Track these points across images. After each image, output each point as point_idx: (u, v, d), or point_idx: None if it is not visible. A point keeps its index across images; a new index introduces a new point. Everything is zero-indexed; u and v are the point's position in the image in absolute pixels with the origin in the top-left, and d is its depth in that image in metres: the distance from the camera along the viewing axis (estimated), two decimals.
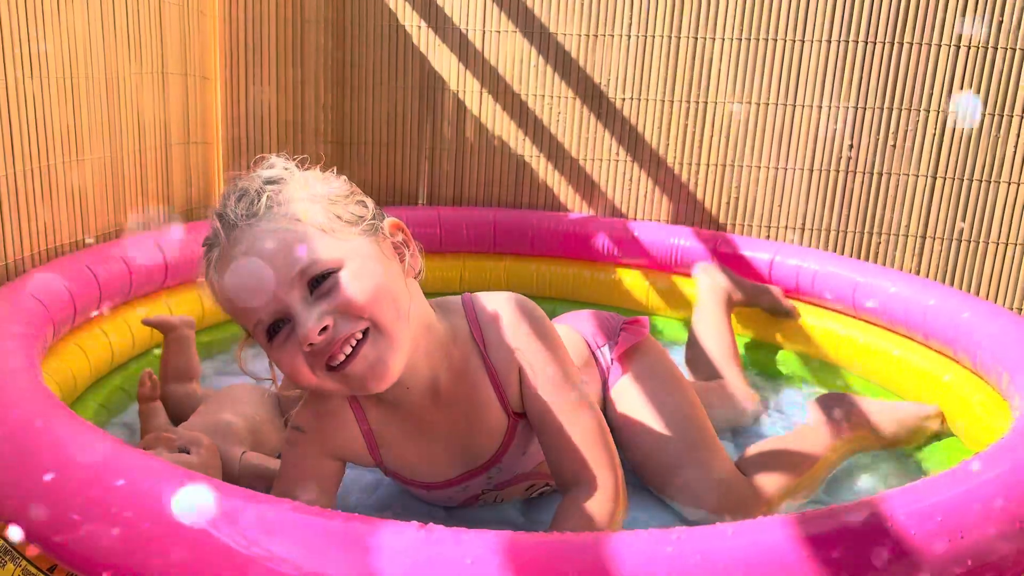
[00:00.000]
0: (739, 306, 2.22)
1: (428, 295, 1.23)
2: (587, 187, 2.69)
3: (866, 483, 1.58)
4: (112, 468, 0.89)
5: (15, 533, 0.90)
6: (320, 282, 1.07)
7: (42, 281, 1.55)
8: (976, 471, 0.93)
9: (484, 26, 2.64)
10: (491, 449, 1.27)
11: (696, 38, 2.53)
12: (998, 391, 1.57)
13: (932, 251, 2.49)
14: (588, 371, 1.54)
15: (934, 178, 2.45)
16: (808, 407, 1.76)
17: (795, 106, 2.51)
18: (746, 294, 2.22)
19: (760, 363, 2.25)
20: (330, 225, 1.09)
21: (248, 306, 1.08)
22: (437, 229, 2.56)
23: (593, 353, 1.57)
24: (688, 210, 2.64)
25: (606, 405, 1.54)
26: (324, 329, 1.05)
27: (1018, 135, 2.36)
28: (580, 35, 2.60)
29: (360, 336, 1.08)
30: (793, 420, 1.89)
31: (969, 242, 2.45)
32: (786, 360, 2.23)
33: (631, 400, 1.51)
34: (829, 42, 2.44)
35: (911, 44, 2.39)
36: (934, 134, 2.42)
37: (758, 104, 2.53)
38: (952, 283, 2.47)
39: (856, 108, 2.46)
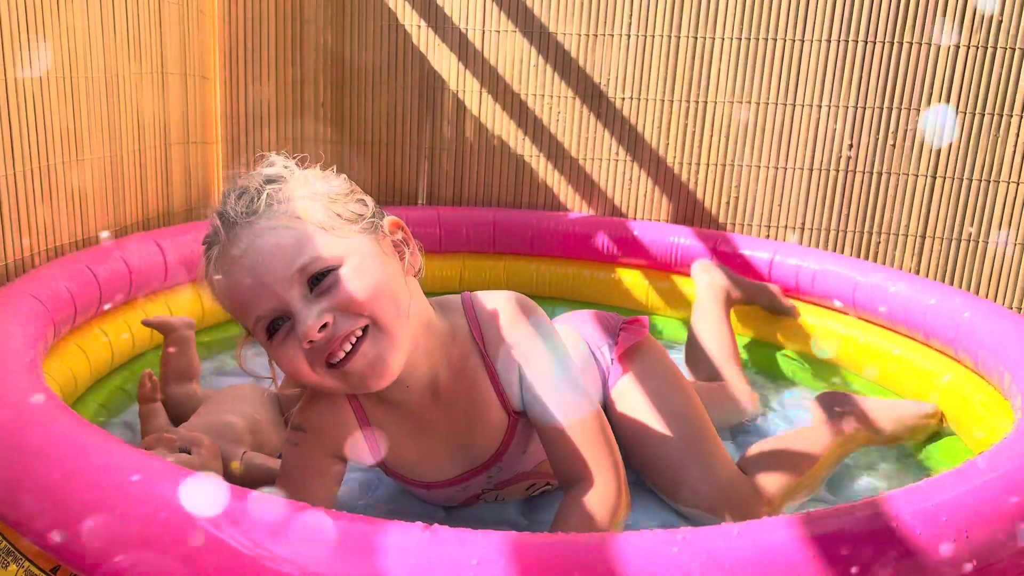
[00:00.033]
0: (738, 304, 2.22)
1: (428, 295, 1.23)
2: (587, 187, 2.69)
3: (867, 482, 1.59)
4: (115, 469, 0.88)
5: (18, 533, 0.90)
6: (320, 279, 1.07)
7: (42, 281, 1.55)
8: (981, 470, 0.93)
9: (484, 26, 2.64)
10: (491, 448, 1.27)
11: (696, 38, 2.53)
12: (999, 391, 1.57)
13: (932, 250, 2.49)
14: (588, 371, 1.54)
15: (934, 177, 2.45)
16: (810, 406, 1.76)
17: (795, 105, 2.51)
18: (745, 292, 2.21)
19: (760, 362, 2.25)
20: (330, 223, 1.09)
21: (248, 304, 1.08)
22: (437, 229, 2.56)
23: (593, 353, 1.57)
24: (688, 210, 2.64)
25: (606, 405, 1.54)
26: (324, 326, 1.06)
27: (1017, 134, 2.37)
28: (580, 35, 2.60)
29: (360, 333, 1.08)
30: (793, 419, 1.89)
31: (969, 241, 2.46)
32: (786, 359, 2.23)
33: (632, 400, 1.51)
34: (829, 41, 2.45)
35: (911, 44, 2.39)
36: (933, 133, 2.42)
37: (758, 103, 2.53)
38: (952, 282, 2.48)
39: (856, 107, 2.46)
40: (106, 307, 1.74)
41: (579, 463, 1.16)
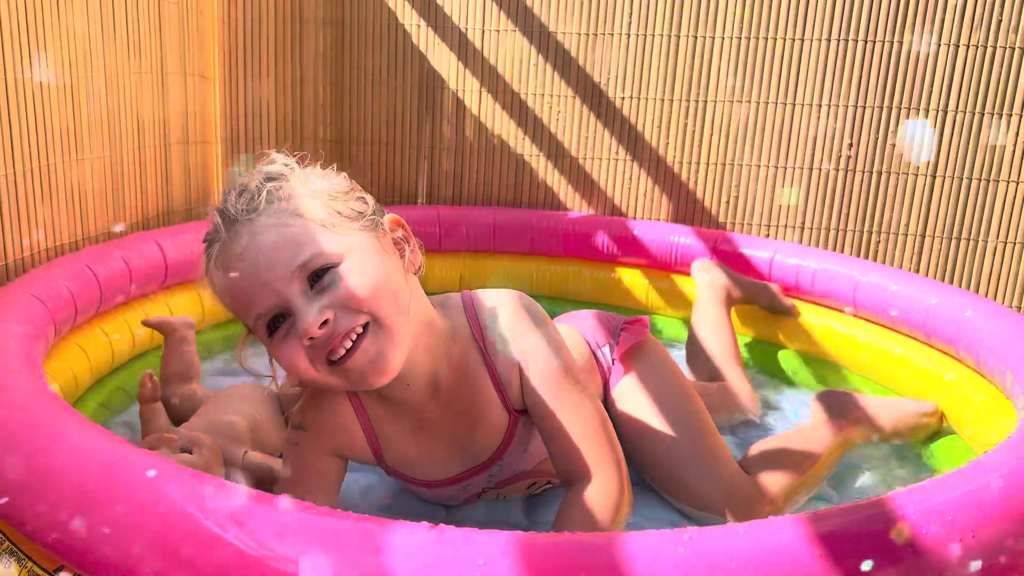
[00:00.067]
0: (738, 303, 2.22)
1: (427, 295, 1.23)
2: (587, 186, 2.69)
3: (868, 481, 1.59)
4: (120, 468, 0.88)
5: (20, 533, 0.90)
6: (320, 276, 1.07)
7: (43, 281, 1.54)
8: (987, 469, 0.93)
9: (483, 25, 2.63)
10: (492, 447, 1.27)
11: (696, 37, 2.53)
12: (1001, 390, 1.57)
13: (932, 249, 2.49)
14: (589, 371, 1.54)
15: (934, 177, 2.45)
16: (811, 404, 1.76)
17: (795, 105, 2.51)
18: (745, 291, 2.21)
19: (761, 362, 2.25)
20: (330, 220, 1.09)
21: (248, 301, 1.08)
22: (436, 228, 2.56)
23: (594, 353, 1.57)
24: (688, 209, 2.64)
25: (608, 405, 1.54)
26: (324, 323, 1.06)
27: (1017, 133, 2.37)
28: (580, 34, 2.60)
29: (360, 330, 1.08)
30: (794, 418, 1.89)
31: (968, 240, 2.46)
32: (787, 359, 2.23)
33: (633, 400, 1.51)
34: (829, 41, 2.45)
35: (911, 43, 2.39)
36: (933, 132, 2.42)
37: (758, 103, 2.53)
38: (952, 281, 2.48)
39: (856, 107, 2.46)
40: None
41: (581, 460, 1.16)
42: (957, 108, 2.40)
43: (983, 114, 2.38)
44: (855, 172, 2.50)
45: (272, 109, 2.61)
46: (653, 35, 2.55)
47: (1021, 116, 2.35)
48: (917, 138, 2.41)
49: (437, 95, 2.71)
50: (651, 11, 2.54)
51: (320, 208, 1.10)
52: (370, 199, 1.17)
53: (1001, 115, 2.36)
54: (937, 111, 2.41)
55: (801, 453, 1.51)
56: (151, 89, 2.13)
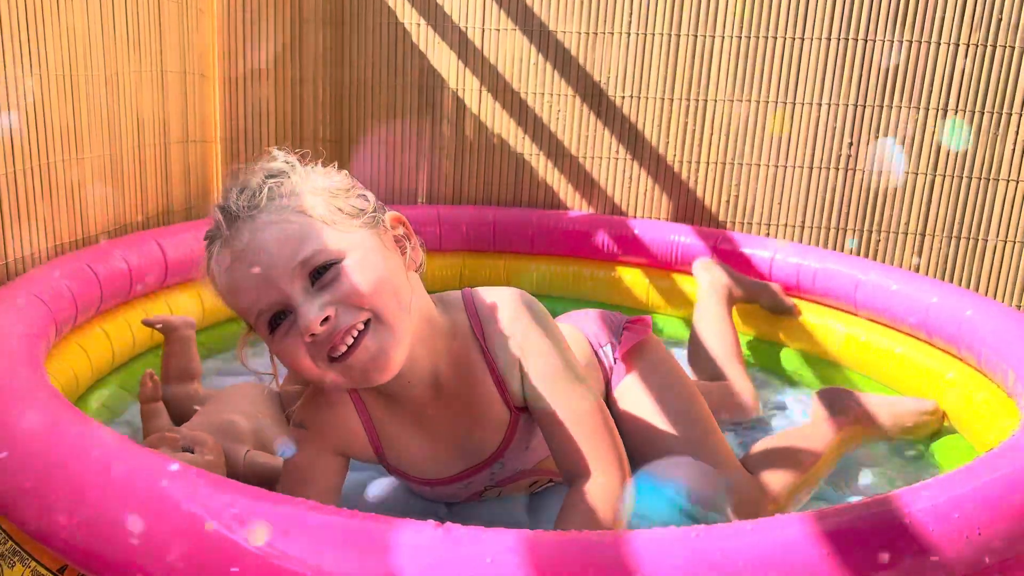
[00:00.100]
0: (739, 303, 2.22)
1: (428, 293, 1.22)
2: (587, 185, 2.69)
3: (870, 479, 1.59)
4: (124, 467, 0.88)
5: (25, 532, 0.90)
6: (322, 273, 1.07)
7: (44, 280, 1.54)
8: (992, 467, 0.92)
9: (483, 24, 2.63)
10: (493, 444, 1.26)
11: (696, 36, 2.53)
12: (1004, 389, 1.57)
13: (932, 248, 2.49)
14: (591, 370, 1.53)
15: (934, 175, 2.45)
16: (811, 402, 1.76)
17: (795, 104, 2.51)
18: (746, 291, 2.21)
19: (762, 361, 2.25)
20: (331, 217, 1.09)
21: (249, 298, 1.08)
22: (436, 227, 2.56)
23: (596, 352, 1.57)
24: (688, 208, 2.64)
25: (610, 404, 1.53)
26: (326, 320, 1.05)
27: (1017, 132, 2.37)
28: (580, 33, 2.60)
29: (362, 327, 1.08)
30: (795, 417, 1.89)
31: (968, 239, 2.46)
32: (788, 358, 2.23)
33: (635, 399, 1.51)
34: (829, 40, 2.45)
35: (911, 42, 2.39)
36: (933, 131, 2.42)
37: (758, 102, 2.53)
38: (952, 280, 2.48)
39: (856, 106, 2.47)
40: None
41: (582, 457, 1.16)
42: (957, 107, 2.40)
43: (983, 113, 2.38)
44: (855, 171, 2.50)
45: (272, 108, 2.60)
46: (653, 34, 2.55)
47: (1021, 115, 2.35)
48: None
49: (437, 94, 2.71)
50: (651, 10, 2.54)
51: (321, 205, 1.10)
52: (371, 196, 1.17)
53: (1001, 114, 2.37)
54: (937, 110, 2.41)
55: (803, 452, 1.51)
56: (151, 88, 2.12)
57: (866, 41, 2.42)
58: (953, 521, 0.82)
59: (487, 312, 1.22)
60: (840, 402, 1.69)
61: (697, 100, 2.57)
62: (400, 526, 0.77)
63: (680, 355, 1.97)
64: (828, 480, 1.56)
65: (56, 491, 0.87)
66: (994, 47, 2.34)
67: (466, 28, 2.64)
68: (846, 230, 2.53)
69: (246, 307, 1.10)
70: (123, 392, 1.79)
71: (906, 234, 2.50)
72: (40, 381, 1.10)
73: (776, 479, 1.42)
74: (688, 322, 2.27)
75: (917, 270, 2.50)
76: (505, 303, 1.22)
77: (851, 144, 2.49)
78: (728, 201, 2.61)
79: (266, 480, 1.39)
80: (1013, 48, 2.33)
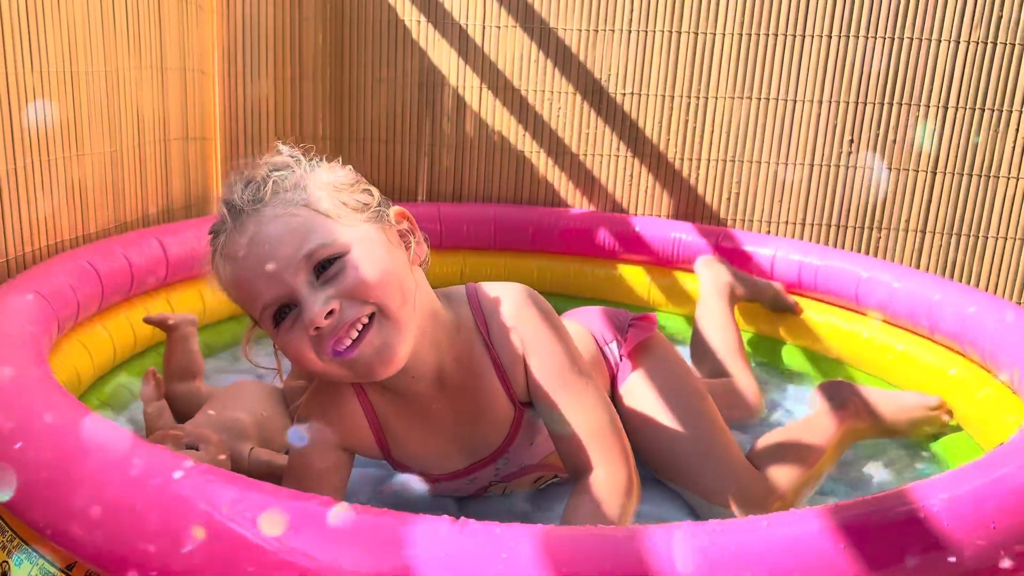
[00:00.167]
0: (741, 301, 2.22)
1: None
2: (587, 183, 2.69)
3: (876, 475, 1.59)
4: (133, 464, 0.87)
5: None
6: (327, 267, 1.07)
7: (46, 277, 1.53)
8: (1005, 461, 0.92)
9: (484, 21, 2.63)
10: (498, 440, 1.26)
11: (696, 33, 2.53)
12: (1009, 386, 1.57)
13: (932, 246, 2.49)
14: (596, 367, 1.53)
15: (934, 173, 2.46)
16: (811, 395, 1.76)
17: (795, 101, 2.51)
18: (748, 289, 2.21)
19: (764, 359, 2.25)
20: (336, 211, 1.09)
21: (254, 291, 1.08)
22: (437, 225, 2.55)
23: (601, 349, 1.56)
24: (689, 206, 2.64)
25: (615, 402, 1.53)
26: (330, 313, 1.05)
27: (1017, 129, 2.37)
28: (580, 30, 2.59)
29: (366, 321, 1.08)
30: (798, 414, 1.89)
31: (969, 236, 2.46)
32: (790, 355, 2.23)
33: (641, 396, 1.51)
34: (829, 37, 2.45)
35: (911, 39, 2.39)
36: (934, 129, 2.43)
37: (758, 99, 2.53)
38: (952, 277, 2.48)
39: (856, 103, 2.47)
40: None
41: (588, 453, 1.16)
42: (957, 104, 2.40)
43: (983, 110, 2.38)
44: (855, 169, 2.50)
45: (271, 106, 2.59)
46: (654, 31, 2.55)
47: (1021, 112, 2.36)
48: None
49: (437, 92, 2.70)
50: (652, 7, 2.54)
51: (326, 199, 1.10)
52: (375, 191, 1.17)
53: (1001, 111, 2.37)
54: (937, 107, 2.41)
55: (807, 446, 1.51)
56: (151, 84, 2.11)
57: (866, 39, 2.42)
58: (968, 515, 0.82)
59: (491, 307, 1.21)
60: (840, 395, 1.69)
61: (698, 98, 2.57)
62: (415, 521, 0.76)
63: (682, 353, 1.96)
64: (832, 476, 1.56)
65: (64, 487, 0.87)
66: (994, 44, 2.34)
67: (466, 25, 2.64)
68: (847, 227, 2.53)
69: (250, 301, 1.10)
70: (124, 390, 1.78)
71: (906, 231, 2.50)
72: (46, 378, 1.09)
73: (782, 475, 1.42)
74: (689, 320, 2.27)
75: (918, 267, 2.50)
76: (509, 298, 1.22)
77: (851, 142, 2.49)
78: (729, 198, 2.61)
79: (270, 477, 1.39)
80: (1013, 45, 2.33)
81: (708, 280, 2.19)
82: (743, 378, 1.85)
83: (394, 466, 1.31)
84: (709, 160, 2.60)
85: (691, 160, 2.61)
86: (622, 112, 2.62)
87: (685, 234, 2.45)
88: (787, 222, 2.58)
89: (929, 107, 2.41)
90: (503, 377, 1.21)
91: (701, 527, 0.78)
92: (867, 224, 2.52)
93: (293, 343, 1.08)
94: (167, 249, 1.92)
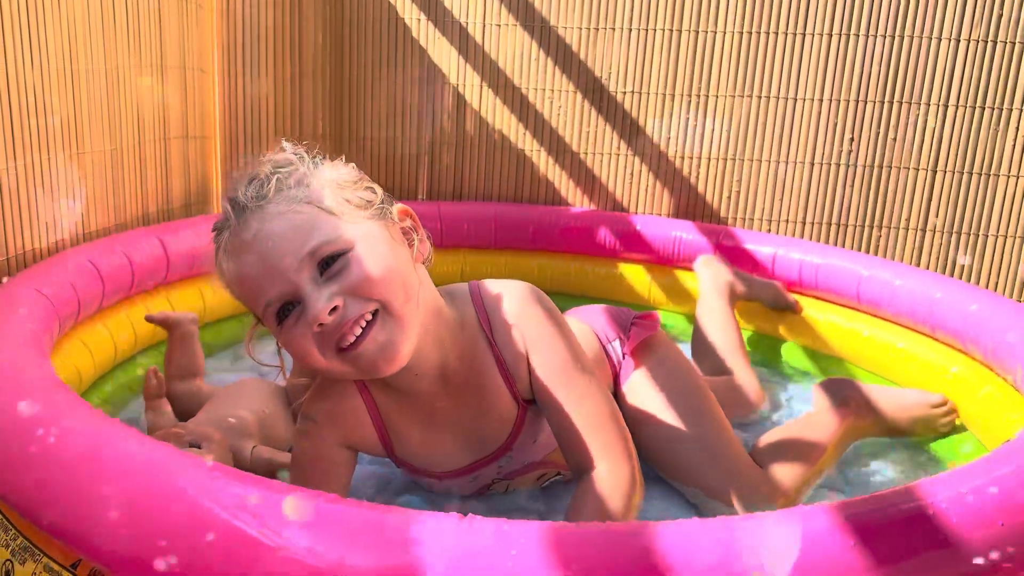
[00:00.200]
0: (742, 299, 2.22)
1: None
2: (588, 181, 2.68)
3: (879, 474, 1.59)
4: (138, 460, 0.87)
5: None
6: (330, 264, 1.07)
7: (46, 276, 1.53)
8: (1012, 458, 0.92)
9: (484, 19, 2.62)
10: (501, 437, 1.26)
11: (697, 32, 2.53)
12: (1012, 384, 1.57)
13: (932, 244, 2.50)
14: (599, 365, 1.53)
15: (934, 171, 2.46)
16: (813, 392, 1.76)
17: (795, 100, 2.51)
18: (748, 288, 2.21)
19: (764, 357, 2.25)
20: (339, 209, 1.09)
21: (257, 288, 1.08)
22: (437, 224, 2.55)
23: (604, 347, 1.56)
24: (689, 204, 2.64)
25: (618, 400, 1.53)
26: (334, 310, 1.05)
27: (1017, 128, 2.37)
28: (581, 28, 2.59)
29: (370, 317, 1.08)
30: (799, 412, 1.88)
31: (969, 235, 2.46)
32: (790, 353, 2.23)
33: (644, 394, 1.51)
34: (830, 36, 2.45)
35: (911, 38, 2.40)
36: (934, 128, 2.43)
37: (759, 98, 2.53)
38: (952, 276, 2.49)
39: (856, 102, 2.47)
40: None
41: (591, 450, 1.16)
42: (957, 103, 2.40)
43: (983, 109, 2.38)
44: (856, 167, 2.50)
45: (271, 104, 2.59)
46: (654, 30, 2.55)
47: (1021, 111, 2.36)
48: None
49: (437, 90, 2.70)
50: (652, 6, 2.53)
51: (329, 196, 1.10)
52: (378, 189, 1.18)
53: (1001, 110, 2.37)
54: (937, 106, 2.41)
55: (809, 444, 1.51)
56: (151, 83, 2.11)
57: (867, 37, 2.42)
58: (975, 511, 0.82)
59: (494, 305, 1.22)
60: (842, 393, 1.69)
61: (698, 96, 2.57)
62: (423, 518, 0.76)
63: (683, 351, 1.96)
64: (837, 474, 1.56)
65: (68, 486, 0.86)
66: (994, 43, 2.35)
67: (467, 24, 2.64)
68: (847, 226, 2.54)
69: (254, 298, 1.10)
70: (125, 389, 1.77)
71: (907, 230, 2.50)
72: (48, 375, 1.09)
73: (785, 472, 1.42)
74: (690, 318, 2.27)
75: (918, 266, 2.50)
76: (512, 295, 1.22)
77: (852, 140, 2.49)
78: (729, 197, 2.61)
79: (273, 475, 1.39)
80: (1013, 44, 2.33)
81: (708, 279, 2.19)
82: (744, 375, 1.86)
83: (397, 464, 1.31)
84: (709, 159, 2.60)
85: (691, 159, 2.61)
86: (622, 110, 2.62)
87: (686, 232, 2.45)
88: (787, 220, 2.58)
89: (929, 105, 2.42)
90: (506, 374, 1.21)
91: (710, 523, 0.77)
92: (867, 223, 2.52)
93: (296, 340, 1.08)
94: (168, 247, 1.91)
